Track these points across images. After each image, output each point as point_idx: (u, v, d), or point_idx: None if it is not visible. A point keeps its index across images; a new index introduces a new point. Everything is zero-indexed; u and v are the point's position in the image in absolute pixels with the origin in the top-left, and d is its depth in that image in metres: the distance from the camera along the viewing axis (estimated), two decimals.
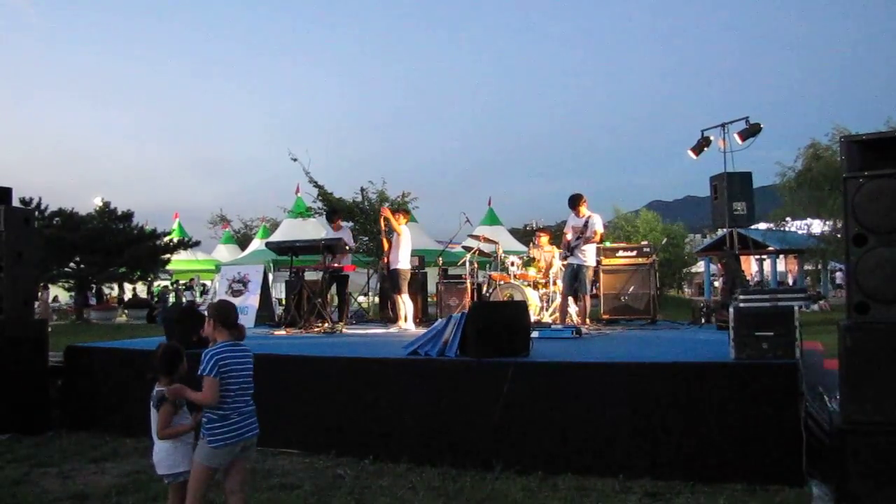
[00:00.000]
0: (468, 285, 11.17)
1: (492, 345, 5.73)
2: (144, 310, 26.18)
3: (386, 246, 10.47)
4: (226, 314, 3.83)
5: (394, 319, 10.36)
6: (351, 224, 21.10)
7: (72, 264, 25.37)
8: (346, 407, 5.94)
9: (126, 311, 28.15)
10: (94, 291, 30.14)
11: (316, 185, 22.03)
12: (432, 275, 13.22)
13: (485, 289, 11.26)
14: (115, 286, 31.13)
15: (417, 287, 11.85)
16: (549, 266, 10.80)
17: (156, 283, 31.38)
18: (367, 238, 21.87)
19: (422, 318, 11.54)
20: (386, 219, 10.42)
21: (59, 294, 31.11)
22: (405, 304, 10.16)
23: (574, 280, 9.60)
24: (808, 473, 4.58)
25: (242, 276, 11.60)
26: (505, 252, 11.80)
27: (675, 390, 5.01)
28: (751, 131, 9.74)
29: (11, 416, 6.70)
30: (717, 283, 31.15)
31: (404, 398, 5.77)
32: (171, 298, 29.01)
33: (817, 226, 26.68)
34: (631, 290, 10.62)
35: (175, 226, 33.74)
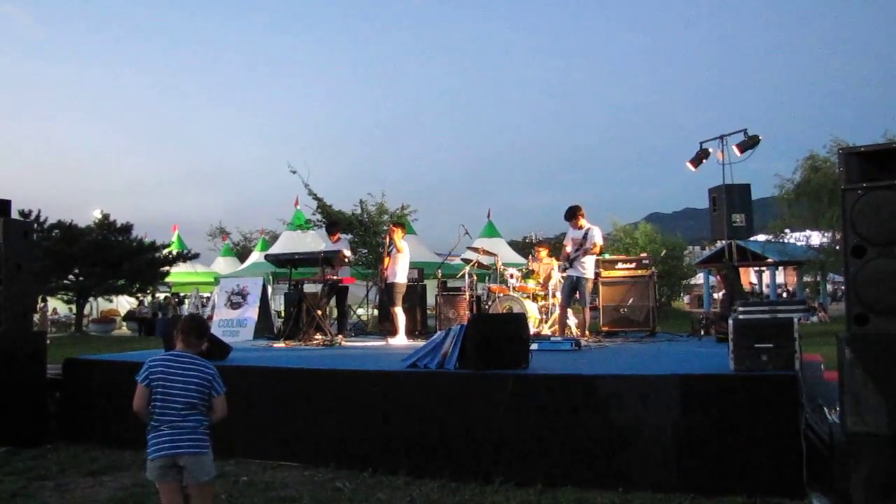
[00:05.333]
0: (467, 297, 11.17)
1: (491, 357, 5.72)
2: (140, 323, 26.16)
3: (386, 261, 10.48)
4: (178, 325, 3.80)
5: (392, 332, 10.35)
6: (350, 236, 21.10)
7: (71, 276, 25.32)
8: (344, 420, 5.92)
9: (125, 323, 28.12)
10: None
11: (315, 197, 22.05)
12: (431, 287, 13.21)
13: (484, 301, 11.25)
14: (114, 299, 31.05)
15: (416, 299, 11.84)
16: (548, 278, 10.79)
17: (146, 297, 31.24)
18: (366, 251, 21.85)
19: (421, 330, 11.53)
20: (390, 238, 10.46)
21: (58, 306, 31.04)
22: (399, 317, 10.16)
23: (573, 292, 9.59)
24: (809, 486, 4.57)
25: (241, 289, 11.59)
26: (504, 264, 11.80)
27: (674, 402, 5.00)
28: (749, 143, 9.77)
29: (9, 428, 6.67)
30: (716, 295, 31.14)
31: (403, 411, 5.75)
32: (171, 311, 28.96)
33: (816, 237, 26.71)
34: (630, 302, 10.62)
35: (174, 238, 33.70)
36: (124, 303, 32.45)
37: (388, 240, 10.66)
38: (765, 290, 33.57)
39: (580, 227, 9.64)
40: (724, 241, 10.40)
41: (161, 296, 32.26)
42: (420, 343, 7.38)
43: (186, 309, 28.22)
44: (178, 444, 3.52)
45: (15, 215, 7.69)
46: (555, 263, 10.82)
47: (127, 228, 26.67)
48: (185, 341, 3.70)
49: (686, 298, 37.41)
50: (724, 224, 9.31)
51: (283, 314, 15.00)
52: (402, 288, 10.28)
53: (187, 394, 3.57)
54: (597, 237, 9.51)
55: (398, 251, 10.26)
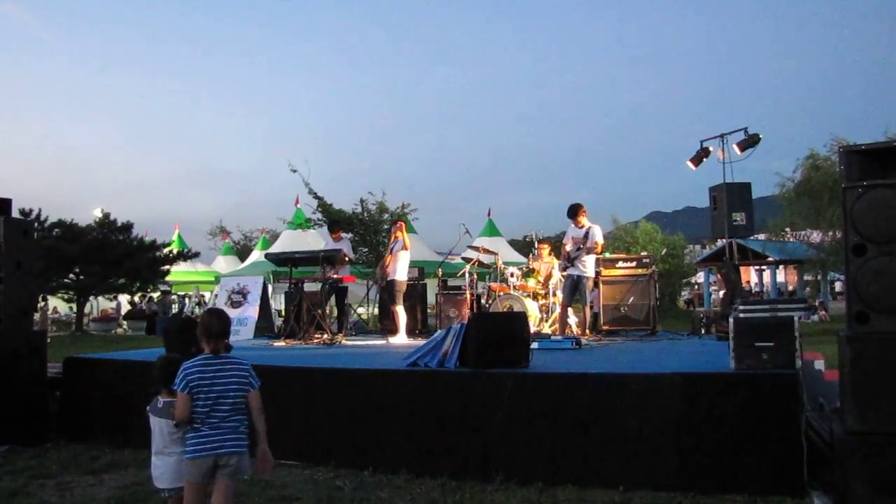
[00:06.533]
0: (468, 296, 11.16)
1: (491, 356, 5.72)
2: (144, 321, 26.16)
3: (388, 259, 10.47)
4: (203, 326, 3.71)
5: (392, 331, 10.35)
6: (350, 235, 21.11)
7: (71, 275, 25.32)
8: (345, 418, 5.92)
9: (125, 322, 28.08)
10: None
11: (315, 196, 22.05)
12: (432, 286, 13.21)
13: (484, 300, 11.25)
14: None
15: (417, 298, 11.83)
16: (549, 277, 10.79)
17: (154, 293, 31.19)
18: (366, 249, 21.85)
19: (422, 329, 11.52)
20: (396, 235, 10.42)
21: (58, 305, 31.01)
22: (400, 315, 10.15)
23: (574, 291, 9.58)
24: (810, 484, 4.57)
25: (242, 288, 11.59)
26: (504, 263, 11.79)
27: (675, 401, 5.00)
28: (750, 142, 9.77)
29: (10, 427, 6.67)
30: (714, 294, 31.11)
31: (404, 409, 5.75)
32: (174, 309, 28.92)
33: (816, 236, 26.68)
34: (630, 300, 10.60)
35: (175, 237, 33.71)
36: (123, 301, 32.39)
37: (392, 238, 10.61)
38: (766, 288, 33.58)
39: (581, 226, 9.63)
40: (724, 240, 10.40)
41: (159, 293, 32.24)
42: (420, 342, 7.38)
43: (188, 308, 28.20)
44: (221, 443, 3.52)
45: (15, 214, 7.69)
46: (555, 262, 10.81)
47: (127, 227, 26.64)
48: (213, 344, 3.62)
49: (687, 292, 37.43)
50: (725, 223, 9.31)
51: (283, 313, 14.99)
52: (402, 286, 10.26)
53: (228, 395, 3.56)
54: (598, 236, 9.51)
55: (405, 248, 10.24)
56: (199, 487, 3.56)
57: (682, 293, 35.65)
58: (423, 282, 12.53)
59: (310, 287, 10.79)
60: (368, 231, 21.99)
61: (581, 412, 5.22)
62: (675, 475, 4.88)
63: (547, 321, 10.51)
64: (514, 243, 36.15)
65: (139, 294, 29.29)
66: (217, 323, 3.70)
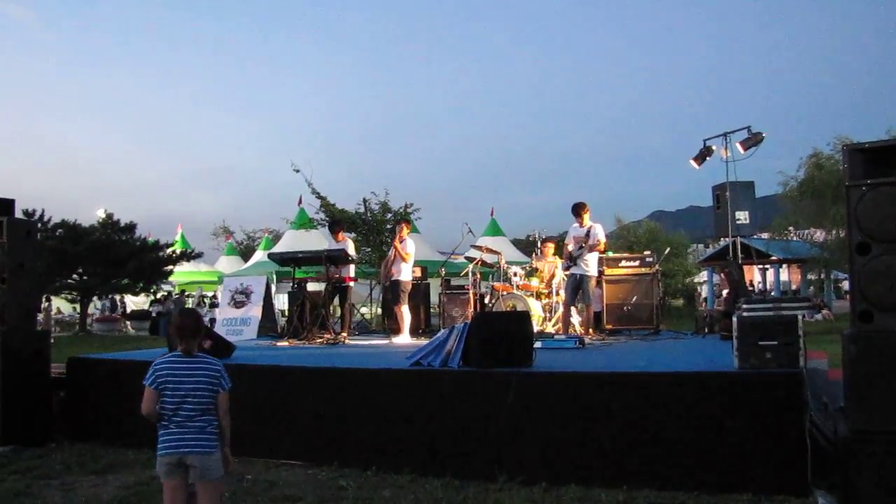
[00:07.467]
0: (471, 296, 11.14)
1: (495, 355, 5.71)
2: (147, 321, 26.21)
3: (391, 255, 10.43)
4: (175, 326, 3.74)
5: (396, 330, 10.35)
6: (353, 235, 21.08)
7: (75, 276, 25.38)
8: (348, 418, 5.92)
9: (129, 322, 28.13)
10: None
11: (318, 196, 22.04)
12: (435, 285, 13.21)
13: (487, 299, 11.24)
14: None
15: (420, 298, 11.83)
16: (552, 276, 10.77)
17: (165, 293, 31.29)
18: (369, 249, 21.82)
19: (425, 328, 11.52)
20: (401, 237, 10.36)
21: (61, 305, 31.09)
22: (404, 315, 10.15)
23: (576, 290, 9.57)
24: (814, 484, 4.56)
25: (245, 288, 11.61)
26: (507, 262, 11.77)
27: (678, 400, 5.00)
28: (753, 141, 9.75)
29: (13, 427, 6.68)
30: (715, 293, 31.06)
31: (407, 409, 5.75)
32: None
33: (820, 235, 26.64)
34: (634, 300, 10.58)
35: (178, 237, 33.80)
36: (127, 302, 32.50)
37: (399, 238, 10.52)
38: (769, 287, 33.54)
39: (584, 225, 9.61)
40: (727, 239, 10.39)
41: (165, 292, 32.34)
42: (423, 341, 7.37)
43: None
44: (186, 443, 3.54)
45: (19, 214, 7.70)
46: (558, 261, 10.80)
47: (131, 228, 26.70)
48: (185, 344, 3.65)
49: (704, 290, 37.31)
50: (728, 221, 9.31)
51: (286, 313, 15.00)
52: (407, 286, 10.26)
53: (196, 394, 3.57)
54: (600, 234, 9.50)
55: (404, 260, 10.17)
56: (170, 483, 3.59)
57: (699, 291, 35.59)
58: (427, 281, 12.52)
59: (313, 287, 10.79)
60: (371, 231, 21.96)
61: (585, 411, 5.22)
62: (679, 474, 4.87)
63: (550, 320, 10.49)
64: (517, 243, 36.15)
65: (144, 293, 29.35)
66: (188, 323, 3.72)
